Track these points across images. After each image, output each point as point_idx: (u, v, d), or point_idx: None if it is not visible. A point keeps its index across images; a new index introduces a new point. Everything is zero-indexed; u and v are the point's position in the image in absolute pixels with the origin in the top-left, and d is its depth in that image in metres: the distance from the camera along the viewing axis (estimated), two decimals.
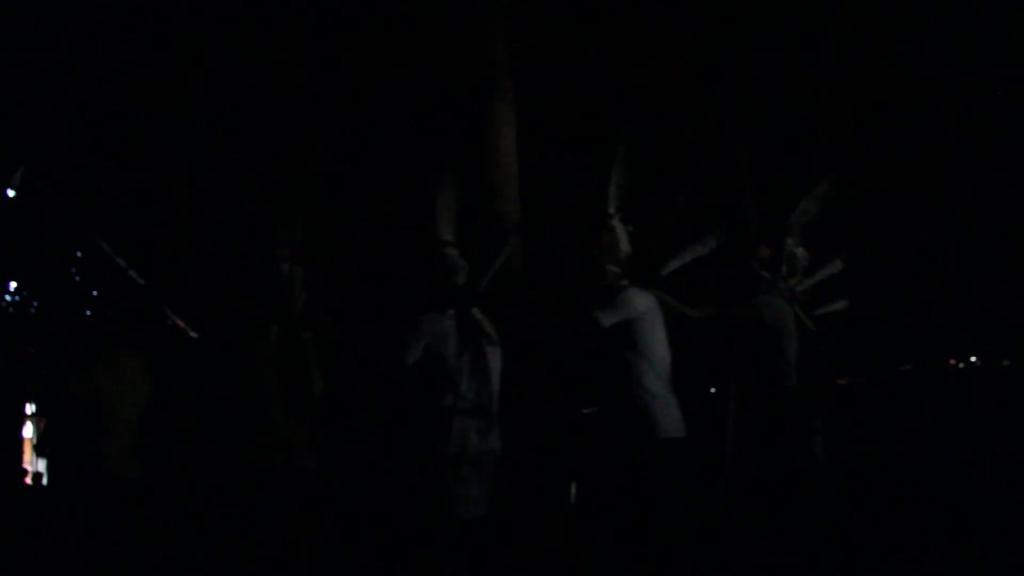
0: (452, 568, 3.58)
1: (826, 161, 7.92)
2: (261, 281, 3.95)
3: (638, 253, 3.94)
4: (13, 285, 7.61)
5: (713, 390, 6.84)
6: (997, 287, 10.16)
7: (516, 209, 4.94)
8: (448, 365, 3.71)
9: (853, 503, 5.32)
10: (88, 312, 7.53)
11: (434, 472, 3.64)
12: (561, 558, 4.57)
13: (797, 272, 4.74)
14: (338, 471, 4.25)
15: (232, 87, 7.04)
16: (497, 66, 5.09)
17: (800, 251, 4.78)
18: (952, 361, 12.36)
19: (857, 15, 7.84)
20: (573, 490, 5.54)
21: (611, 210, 3.95)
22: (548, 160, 6.64)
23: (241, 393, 3.86)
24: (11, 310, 7.52)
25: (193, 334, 4.17)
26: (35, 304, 7.72)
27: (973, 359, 12.47)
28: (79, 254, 7.67)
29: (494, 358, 3.81)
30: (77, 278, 7.70)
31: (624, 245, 3.91)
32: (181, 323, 4.18)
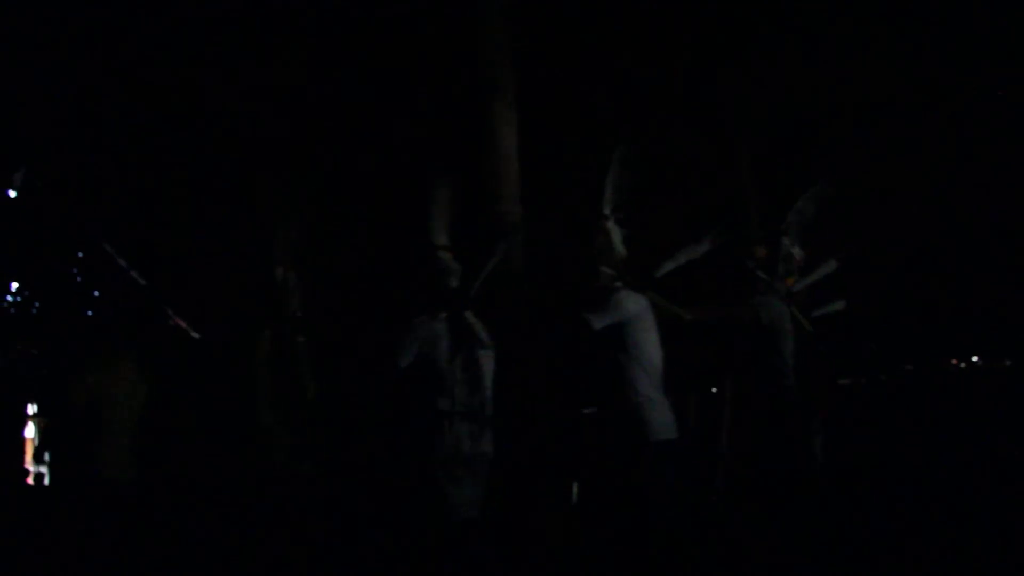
0: (448, 569, 3.60)
1: (826, 161, 7.93)
2: (256, 284, 3.98)
3: (633, 255, 3.94)
4: (14, 286, 7.60)
5: (715, 390, 6.85)
6: (998, 287, 10.16)
7: (517, 209, 4.95)
8: (440, 369, 3.74)
9: (853, 503, 5.31)
10: (89, 313, 7.53)
11: (429, 474, 3.66)
12: (561, 558, 4.58)
13: (794, 272, 4.74)
14: (334, 473, 4.25)
15: (232, 88, 7.04)
16: (498, 66, 5.09)
17: (796, 251, 4.78)
18: (954, 361, 12.36)
19: (857, 15, 7.84)
20: (575, 489, 5.55)
21: (606, 211, 3.95)
22: (549, 160, 6.64)
23: (237, 395, 3.89)
24: (12, 311, 7.52)
25: (195, 334, 4.18)
26: (36, 305, 7.72)
27: (975, 359, 12.46)
28: (80, 255, 7.67)
29: (487, 362, 3.83)
30: (78, 279, 7.70)
31: (619, 247, 3.91)
32: (183, 324, 4.19)
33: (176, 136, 7.27)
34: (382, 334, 4.01)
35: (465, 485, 3.69)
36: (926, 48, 8.01)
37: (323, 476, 4.02)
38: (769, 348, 4.51)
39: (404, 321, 3.83)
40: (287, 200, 4.29)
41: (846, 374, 7.95)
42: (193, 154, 7.25)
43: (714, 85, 8.06)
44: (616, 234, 3.92)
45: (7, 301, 7.57)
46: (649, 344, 3.77)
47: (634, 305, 3.79)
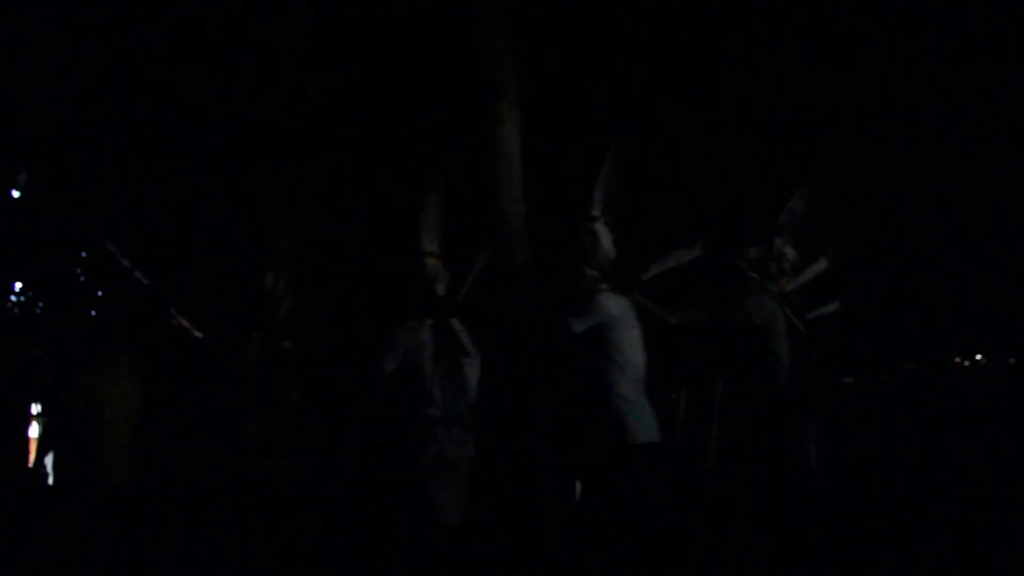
0: (434, 573, 3.63)
1: (826, 161, 7.94)
2: (247, 289, 4.02)
3: (623, 257, 3.91)
4: (18, 286, 7.61)
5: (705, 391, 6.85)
6: (999, 286, 10.17)
7: (520, 209, 4.93)
8: (424, 375, 3.77)
9: (853, 503, 5.32)
10: (93, 312, 7.54)
11: (413, 479, 3.69)
12: (561, 558, 4.58)
13: (787, 273, 4.72)
14: (322, 476, 4.26)
15: (233, 88, 7.05)
16: (499, 66, 5.09)
17: (789, 251, 4.76)
18: (957, 359, 12.39)
19: (857, 15, 7.85)
20: (578, 489, 5.55)
21: (595, 212, 3.91)
22: (552, 159, 6.65)
23: (229, 396, 3.92)
24: (16, 311, 7.53)
25: (198, 334, 4.20)
26: (40, 305, 7.73)
27: (978, 357, 12.49)
28: (83, 255, 7.68)
29: (471, 369, 3.86)
30: (82, 279, 7.71)
31: (608, 248, 3.87)
32: (186, 323, 4.21)
33: (176, 136, 7.29)
34: (369, 338, 4.03)
35: (450, 490, 3.72)
36: (926, 48, 8.02)
37: (311, 477, 4.03)
38: (763, 349, 4.49)
39: (390, 326, 3.84)
40: (287, 201, 4.31)
41: (846, 374, 7.95)
42: (193, 154, 7.26)
43: (714, 85, 8.07)
44: (604, 236, 3.87)
45: (11, 302, 7.58)
46: (629, 346, 3.72)
47: (615, 307, 3.74)
